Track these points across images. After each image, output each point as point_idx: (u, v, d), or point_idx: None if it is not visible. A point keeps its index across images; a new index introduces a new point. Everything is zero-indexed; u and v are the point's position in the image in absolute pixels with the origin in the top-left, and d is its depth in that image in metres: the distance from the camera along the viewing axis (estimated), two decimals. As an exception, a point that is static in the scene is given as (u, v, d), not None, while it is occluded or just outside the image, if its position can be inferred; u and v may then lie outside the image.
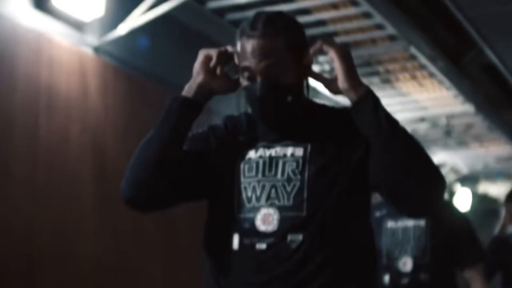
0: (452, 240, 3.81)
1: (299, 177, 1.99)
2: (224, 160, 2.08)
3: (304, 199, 1.97)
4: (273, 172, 2.01)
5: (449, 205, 4.20)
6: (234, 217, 2.01)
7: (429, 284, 3.74)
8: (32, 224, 4.63)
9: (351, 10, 5.96)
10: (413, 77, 7.36)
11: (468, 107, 8.09)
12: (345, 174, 2.00)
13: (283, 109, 2.03)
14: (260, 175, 2.02)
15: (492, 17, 6.29)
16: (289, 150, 2.03)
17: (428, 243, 3.76)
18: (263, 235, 1.97)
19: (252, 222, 1.99)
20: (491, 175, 11.13)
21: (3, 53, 4.65)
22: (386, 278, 3.80)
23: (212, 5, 5.96)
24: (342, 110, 2.11)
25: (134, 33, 5.33)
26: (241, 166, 2.05)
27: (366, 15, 6.02)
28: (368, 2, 5.71)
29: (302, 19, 5.92)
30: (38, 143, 4.75)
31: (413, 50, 6.55)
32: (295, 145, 2.04)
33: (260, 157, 2.04)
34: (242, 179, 2.04)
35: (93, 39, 5.30)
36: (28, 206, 4.61)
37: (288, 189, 1.99)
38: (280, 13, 2.07)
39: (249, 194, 2.02)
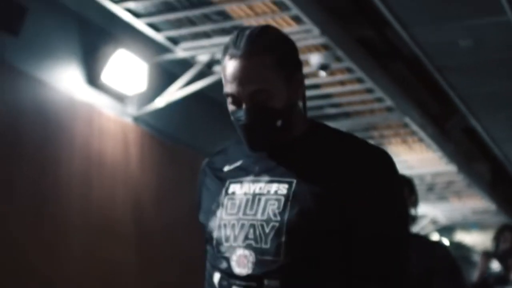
0: (435, 274, 3.74)
1: (278, 218, 1.79)
2: (211, 197, 1.94)
3: (282, 243, 1.78)
4: (254, 210, 1.83)
5: (434, 241, 4.12)
6: (215, 255, 1.88)
7: None
8: (86, 264, 5.34)
9: (356, 86, 6.77)
10: (404, 142, 8.18)
11: (451, 167, 8.91)
12: (331, 220, 1.79)
13: (272, 136, 1.86)
14: (241, 213, 1.84)
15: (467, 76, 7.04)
16: (273, 187, 1.83)
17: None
18: (238, 278, 1.81)
19: (228, 262, 1.83)
20: (467, 226, 11.94)
21: (62, 124, 5.37)
22: None
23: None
24: (349, 137, 1.89)
25: (170, 106, 6.07)
26: (225, 201, 1.89)
27: (369, 90, 6.83)
28: (371, 80, 6.53)
29: (313, 92, 6.76)
30: (91, 200, 5.47)
31: (407, 119, 7.36)
32: (280, 180, 1.84)
33: (245, 193, 1.86)
34: (224, 215, 1.87)
35: (133, 110, 6.03)
36: (83, 250, 5.32)
37: (267, 230, 1.79)
38: (266, 28, 1.87)
39: (228, 232, 1.85)
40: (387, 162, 1.85)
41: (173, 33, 5.72)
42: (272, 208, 1.81)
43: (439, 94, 7.73)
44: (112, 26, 5.57)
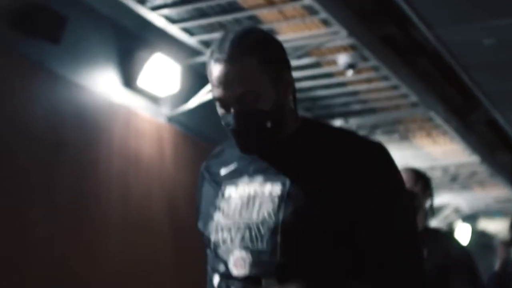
0: (449, 272, 3.71)
1: (273, 218, 1.79)
2: (209, 202, 1.95)
3: (278, 243, 1.77)
4: (249, 212, 1.83)
5: (450, 237, 4.10)
6: (214, 258, 1.89)
7: None
8: (123, 262, 5.58)
9: (382, 84, 6.95)
10: (429, 135, 8.36)
11: (474, 158, 9.08)
12: (326, 219, 1.76)
13: (263, 138, 1.85)
14: (237, 215, 1.85)
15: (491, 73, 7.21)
16: (267, 188, 1.83)
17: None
18: (236, 279, 1.81)
19: (226, 264, 1.84)
20: (490, 214, 12.10)
21: (100, 126, 5.59)
22: None
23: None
24: (342, 133, 1.91)
25: (202, 106, 6.28)
26: (222, 205, 1.90)
27: (394, 87, 7.01)
28: (396, 76, 6.71)
29: (340, 89, 6.95)
30: (129, 199, 5.70)
31: (431, 114, 7.54)
32: (274, 180, 1.84)
33: (240, 196, 1.87)
34: (220, 219, 1.88)
35: (167, 111, 6.25)
36: (121, 248, 5.56)
37: (262, 231, 1.79)
38: (250, 30, 1.87)
39: (225, 235, 1.85)
40: (383, 155, 1.81)
41: (206, 37, 5.93)
42: (267, 208, 1.80)
43: (462, 88, 7.88)
44: (147, 31, 5.78)
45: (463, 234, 12.30)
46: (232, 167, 1.94)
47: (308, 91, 7.12)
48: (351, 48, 6.14)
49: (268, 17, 5.73)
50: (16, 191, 4.78)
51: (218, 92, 1.84)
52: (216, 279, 1.88)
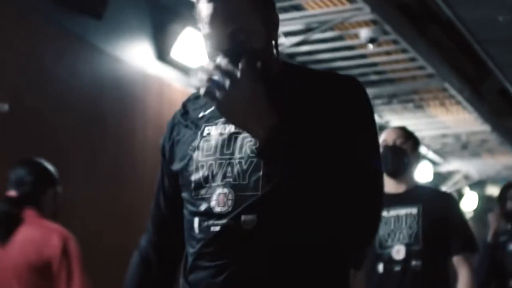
0: (444, 227, 3.77)
1: (256, 153, 1.76)
2: (187, 144, 1.90)
3: (260, 177, 1.76)
4: (231, 149, 1.81)
5: (450, 197, 4.13)
6: (193, 199, 1.85)
7: (421, 271, 3.72)
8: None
9: (400, 56, 7.27)
10: (442, 104, 8.68)
11: (485, 127, 9.42)
12: (307, 151, 1.74)
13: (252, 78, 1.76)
14: (218, 153, 1.82)
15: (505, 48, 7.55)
16: None
17: (419, 230, 3.73)
18: (218, 217, 1.78)
19: (208, 203, 1.80)
20: (497, 180, 12.46)
21: (136, 96, 5.93)
22: (380, 267, 3.80)
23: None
24: (322, 74, 1.90)
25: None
26: (201, 144, 1.86)
27: (412, 59, 7.34)
28: (414, 49, 7.03)
29: (360, 61, 7.28)
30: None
31: (446, 85, 7.86)
32: None
33: (220, 134, 1.84)
34: (200, 157, 1.85)
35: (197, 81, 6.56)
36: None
37: (245, 167, 1.78)
38: None
39: (206, 173, 1.82)
40: (356, 87, 1.85)
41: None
42: (250, 145, 1.79)
43: (475, 59, 8.19)
44: (180, 5, 6.06)
45: (470, 201, 12.69)
46: (211, 108, 1.88)
47: (328, 62, 7.44)
48: (373, 23, 6.44)
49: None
50: (62, 161, 5.11)
51: (209, 30, 1.80)
52: (196, 222, 1.83)
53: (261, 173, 1.76)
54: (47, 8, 5.14)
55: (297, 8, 6.31)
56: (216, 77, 1.71)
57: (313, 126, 1.76)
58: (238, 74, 1.70)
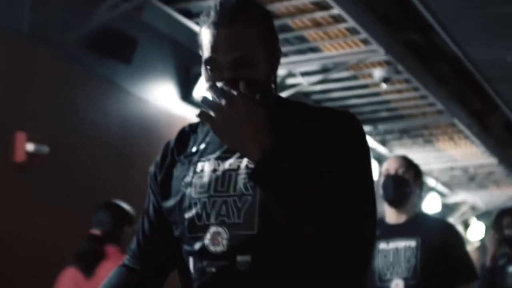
0: (443, 257, 3.65)
1: (251, 191, 1.70)
2: (179, 180, 1.81)
3: (255, 215, 1.68)
4: (225, 187, 1.73)
5: (450, 227, 3.96)
6: (187, 238, 1.77)
7: None
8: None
9: (412, 94, 7.57)
10: (451, 139, 8.98)
11: (492, 160, 9.71)
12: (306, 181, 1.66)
13: None
14: (212, 190, 1.74)
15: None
16: (244, 161, 1.72)
17: (417, 263, 3.62)
18: (212, 257, 1.71)
19: (202, 242, 1.73)
20: (504, 211, 12.75)
21: (161, 134, 6.19)
22: None
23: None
24: (317, 109, 1.82)
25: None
26: (194, 180, 1.77)
27: (423, 97, 7.63)
28: (425, 87, 7.33)
29: (372, 99, 7.58)
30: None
31: (455, 120, 8.16)
32: None
33: (214, 170, 1.76)
34: (193, 194, 1.76)
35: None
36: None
37: (239, 205, 1.71)
38: (249, 0, 1.78)
39: (200, 211, 1.74)
40: (352, 121, 1.77)
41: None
42: (244, 182, 1.71)
43: (481, 94, 8.50)
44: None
45: (477, 229, 12.94)
46: (205, 141, 1.82)
47: (342, 100, 7.73)
48: (386, 63, 6.74)
49: (313, 36, 6.32)
50: (96, 193, 5.39)
51: (212, 55, 1.71)
52: (191, 262, 1.76)
53: (256, 211, 1.69)
54: (81, 55, 5.44)
55: (314, 50, 6.60)
56: (211, 97, 1.64)
57: (305, 160, 1.68)
58: (235, 93, 1.64)
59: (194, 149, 1.82)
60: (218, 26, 1.70)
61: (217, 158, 1.77)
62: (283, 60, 6.58)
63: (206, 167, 1.77)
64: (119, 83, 5.81)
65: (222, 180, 1.74)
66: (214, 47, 1.70)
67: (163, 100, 6.27)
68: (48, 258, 5.05)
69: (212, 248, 1.71)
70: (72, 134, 5.33)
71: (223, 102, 1.64)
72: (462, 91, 8.52)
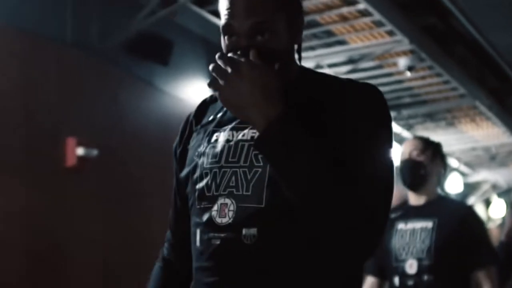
0: (459, 240, 3.59)
1: (261, 163, 1.64)
2: (194, 149, 1.78)
3: (264, 188, 1.63)
4: (236, 158, 1.68)
5: (468, 209, 3.91)
6: (196, 209, 1.73)
7: (434, 285, 3.57)
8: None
9: (435, 79, 7.80)
10: (473, 120, 9.20)
11: (513, 139, 9.96)
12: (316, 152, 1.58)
13: None
14: (223, 161, 1.69)
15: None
16: (258, 133, 1.62)
17: (432, 244, 3.57)
18: (218, 229, 1.66)
19: (210, 213, 1.68)
20: (525, 188, 12.99)
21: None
22: (396, 280, 3.67)
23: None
24: (340, 80, 1.74)
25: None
26: (207, 150, 1.73)
27: (445, 82, 7.86)
28: (447, 73, 7.55)
29: (396, 86, 7.80)
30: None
31: (476, 103, 8.38)
32: None
33: (227, 140, 1.71)
34: (205, 164, 1.72)
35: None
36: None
37: (249, 177, 1.65)
38: None
39: (210, 181, 1.70)
40: (373, 92, 1.70)
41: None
42: (255, 153, 1.65)
43: (501, 74, 8.71)
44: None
45: (498, 208, 13.17)
46: (222, 112, 1.78)
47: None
48: (411, 52, 6.96)
49: (340, 29, 6.55)
50: (138, 191, 5.65)
51: (229, 22, 1.66)
52: (198, 233, 1.72)
53: (265, 184, 1.63)
54: (122, 59, 5.69)
55: (341, 43, 6.83)
56: (220, 65, 1.60)
57: (321, 131, 1.61)
58: (242, 61, 1.58)
59: (210, 118, 1.79)
60: None
61: (232, 129, 1.72)
62: (311, 53, 6.87)
63: (220, 137, 1.73)
64: (157, 84, 6.06)
65: (234, 151, 1.69)
66: (230, 13, 1.65)
67: (199, 99, 6.48)
68: (99, 258, 5.32)
69: (218, 220, 1.67)
70: (116, 136, 5.59)
71: (228, 69, 1.58)
72: (481, 73, 8.72)
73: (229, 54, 1.62)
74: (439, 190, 3.77)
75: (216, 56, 1.61)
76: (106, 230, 5.37)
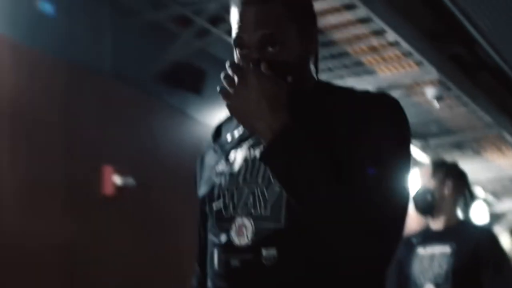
0: (477, 265, 3.58)
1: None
2: (211, 168, 1.76)
3: (283, 207, 1.59)
4: (254, 176, 1.65)
5: (487, 232, 3.86)
6: (214, 229, 1.71)
7: None
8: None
9: (462, 109, 7.89)
10: (499, 149, 9.27)
11: (539, 168, 10.00)
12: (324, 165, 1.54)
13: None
14: (241, 180, 1.67)
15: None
16: None
17: (449, 269, 3.56)
18: (236, 250, 1.62)
19: (228, 234, 1.65)
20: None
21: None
22: None
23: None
24: (355, 91, 1.70)
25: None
26: (225, 169, 1.71)
27: (472, 112, 7.95)
28: (475, 104, 7.64)
29: (423, 115, 7.87)
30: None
31: (503, 132, 8.45)
32: None
33: (245, 159, 1.68)
34: (223, 184, 1.69)
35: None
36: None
37: (267, 196, 1.62)
38: None
39: (227, 201, 1.67)
40: (389, 103, 1.65)
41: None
42: None
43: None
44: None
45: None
46: (239, 130, 1.75)
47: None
48: (438, 82, 7.06)
49: (370, 60, 6.66)
50: (173, 220, 5.76)
51: (239, 34, 1.65)
52: (216, 254, 1.68)
53: (284, 203, 1.59)
54: (157, 89, 5.83)
55: (370, 72, 6.94)
56: (230, 73, 1.60)
57: (333, 144, 1.57)
58: (249, 68, 1.57)
59: (229, 137, 1.77)
60: (246, 5, 1.65)
61: (249, 147, 1.70)
62: (340, 82, 6.95)
63: (238, 156, 1.71)
64: (190, 113, 6.18)
65: (252, 169, 1.67)
66: (241, 26, 1.65)
67: (230, 127, 6.62)
68: (133, 286, 5.43)
69: (236, 241, 1.64)
70: (151, 164, 5.71)
71: (235, 78, 1.59)
72: (507, 102, 8.79)
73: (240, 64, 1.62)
74: (459, 214, 3.75)
75: (226, 65, 1.61)
76: (139, 258, 5.46)
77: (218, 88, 1.61)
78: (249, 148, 1.69)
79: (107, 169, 5.32)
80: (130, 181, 5.36)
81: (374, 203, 1.51)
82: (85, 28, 5.36)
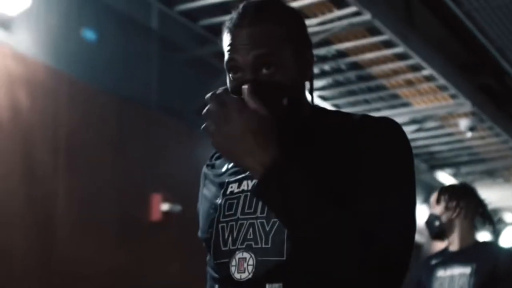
0: (495, 284, 3.53)
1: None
2: (209, 202, 1.69)
3: (284, 240, 1.53)
4: (252, 208, 1.59)
5: (505, 252, 3.75)
6: (213, 264, 1.65)
7: None
8: None
9: (494, 139, 8.08)
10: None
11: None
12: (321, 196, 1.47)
13: (277, 117, 1.50)
14: (239, 213, 1.61)
15: None
16: None
17: None
18: (237, 285, 1.57)
19: (227, 269, 1.59)
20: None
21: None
22: None
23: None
24: (355, 116, 1.61)
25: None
26: (223, 203, 1.64)
27: (504, 142, 8.14)
28: (507, 134, 7.82)
29: (455, 145, 8.06)
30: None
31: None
32: None
33: (242, 191, 1.62)
34: (221, 218, 1.63)
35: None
36: None
37: (267, 228, 1.56)
38: (274, 0, 1.64)
39: (226, 235, 1.61)
40: (391, 126, 1.57)
41: (350, 109, 7.08)
42: None
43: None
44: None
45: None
46: None
47: (426, 147, 8.27)
48: (472, 114, 7.26)
49: (406, 93, 6.88)
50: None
51: (232, 56, 1.56)
52: None
53: (285, 235, 1.52)
54: (199, 122, 6.04)
55: (406, 105, 7.15)
56: (211, 108, 1.48)
57: (330, 172, 1.51)
58: (231, 102, 1.47)
59: (224, 168, 1.69)
60: (239, 27, 1.56)
61: (247, 178, 1.62)
62: (376, 114, 7.13)
63: (235, 188, 1.63)
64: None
65: (250, 201, 1.59)
66: (234, 48, 1.55)
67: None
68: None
69: (237, 275, 1.56)
70: (196, 192, 5.93)
71: (216, 111, 1.47)
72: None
73: (219, 92, 1.49)
74: (476, 234, 3.71)
75: (206, 97, 1.49)
76: (186, 280, 5.67)
77: (201, 126, 1.50)
78: (245, 179, 1.62)
79: (155, 197, 5.57)
80: (177, 208, 5.59)
81: (379, 231, 1.45)
82: (136, 64, 5.63)
